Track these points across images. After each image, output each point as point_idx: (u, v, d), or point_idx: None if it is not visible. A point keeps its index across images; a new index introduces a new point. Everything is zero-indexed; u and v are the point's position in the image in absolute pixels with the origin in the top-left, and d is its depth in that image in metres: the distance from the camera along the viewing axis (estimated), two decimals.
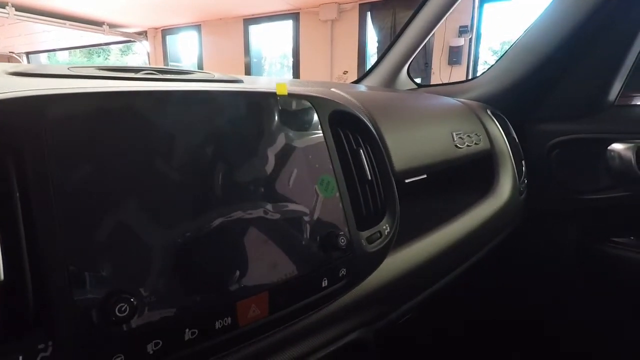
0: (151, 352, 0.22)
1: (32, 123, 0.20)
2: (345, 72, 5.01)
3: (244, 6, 5.45)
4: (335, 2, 5.01)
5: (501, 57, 0.81)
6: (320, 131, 0.33)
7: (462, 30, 4.23)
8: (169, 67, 0.50)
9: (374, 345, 0.41)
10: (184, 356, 0.23)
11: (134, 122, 0.24)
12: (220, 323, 0.25)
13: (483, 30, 4.43)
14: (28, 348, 0.18)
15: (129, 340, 0.21)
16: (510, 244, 0.67)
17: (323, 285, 0.30)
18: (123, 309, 0.20)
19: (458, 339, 0.84)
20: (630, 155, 0.63)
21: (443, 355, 0.80)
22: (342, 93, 0.47)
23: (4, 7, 4.94)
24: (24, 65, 0.38)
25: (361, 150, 0.36)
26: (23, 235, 0.19)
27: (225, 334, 0.25)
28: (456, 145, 0.55)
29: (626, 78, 0.69)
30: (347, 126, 0.37)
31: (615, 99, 0.70)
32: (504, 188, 0.61)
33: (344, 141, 0.35)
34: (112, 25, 6.30)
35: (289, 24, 5.57)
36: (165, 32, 6.72)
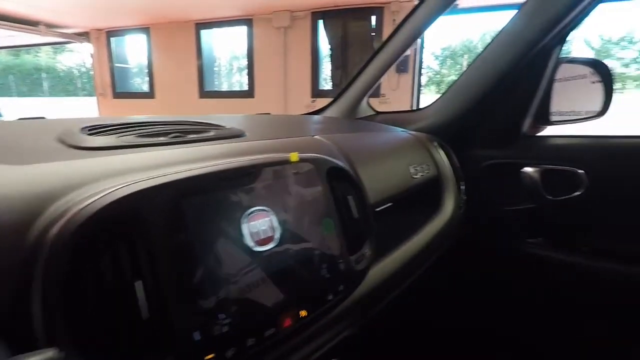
0: (230, 356, 0.33)
1: (133, 218, 0.30)
2: (313, 100, 5.18)
3: (196, 11, 5.38)
4: (288, 10, 5.12)
5: (445, 91, 0.99)
6: (321, 185, 0.46)
7: None
8: (182, 121, 0.60)
9: (359, 341, 0.54)
10: (248, 357, 0.35)
11: (205, 198, 0.35)
12: (268, 332, 0.37)
13: (428, 41, 4.79)
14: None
15: (219, 345, 0.32)
16: (454, 251, 0.84)
17: (329, 298, 0.43)
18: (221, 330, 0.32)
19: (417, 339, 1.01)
20: (537, 177, 0.83)
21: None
22: (326, 142, 0.60)
23: None
24: (73, 135, 0.45)
25: (349, 197, 0.49)
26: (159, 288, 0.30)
27: (272, 339, 0.37)
28: (412, 176, 0.71)
29: (535, 113, 0.90)
30: (339, 177, 0.50)
31: (526, 130, 0.90)
32: (448, 206, 0.78)
33: (337, 190, 0.48)
34: (49, 25, 5.89)
35: (242, 29, 5.58)
36: (110, 33, 6.41)
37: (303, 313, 0.40)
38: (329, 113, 1.12)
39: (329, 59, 5.20)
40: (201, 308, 0.32)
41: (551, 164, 0.84)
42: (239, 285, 0.35)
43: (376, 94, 4.85)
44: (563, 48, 0.84)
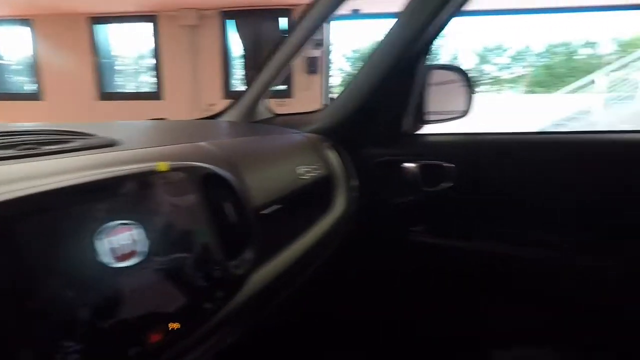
0: None
1: None
2: (211, 105, 4.99)
3: (86, 3, 4.85)
4: (194, 8, 4.91)
5: (339, 95, 1.05)
6: (194, 193, 0.46)
7: (317, 44, 4.68)
8: (42, 130, 0.54)
9: (246, 345, 0.55)
10: None
11: (45, 218, 0.33)
12: (133, 351, 0.36)
13: (336, 44, 5.05)
14: None
15: None
16: (350, 245, 0.90)
17: (205, 307, 0.43)
18: None
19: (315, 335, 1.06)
20: (416, 171, 0.94)
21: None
22: (209, 148, 0.60)
23: None
24: None
25: (226, 203, 0.50)
26: None
27: (139, 357, 0.36)
28: (300, 177, 0.74)
29: (413, 113, 1.00)
30: (215, 184, 0.50)
31: (407, 128, 1.00)
32: (339, 204, 0.84)
33: (213, 197, 0.49)
34: None
35: (147, 26, 5.19)
36: None
37: (174, 325, 0.40)
38: (227, 117, 1.11)
39: (242, 59, 5.13)
40: (42, 338, 0.30)
41: (427, 159, 0.95)
42: (91, 307, 0.33)
43: (287, 95, 4.93)
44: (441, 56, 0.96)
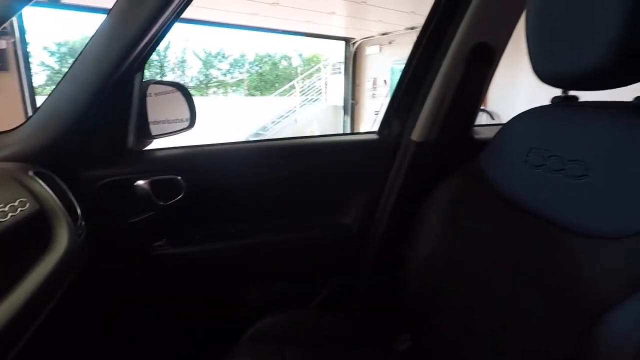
0: None
1: None
2: None
3: None
4: None
5: (37, 109, 0.87)
6: None
7: (2, 33, 3.54)
8: None
9: None
10: None
11: None
12: None
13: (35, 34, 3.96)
14: None
15: None
16: (87, 277, 0.81)
17: None
18: None
19: None
20: (148, 188, 0.94)
21: None
22: None
23: None
24: None
25: None
26: None
27: None
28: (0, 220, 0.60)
29: (137, 129, 0.98)
30: None
31: (132, 145, 0.97)
32: (62, 238, 0.73)
33: None
34: None
35: None
36: None
37: None
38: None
39: None
40: None
41: (157, 174, 0.96)
42: None
43: None
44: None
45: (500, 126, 0.76)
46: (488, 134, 1.11)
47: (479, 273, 0.69)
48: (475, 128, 1.12)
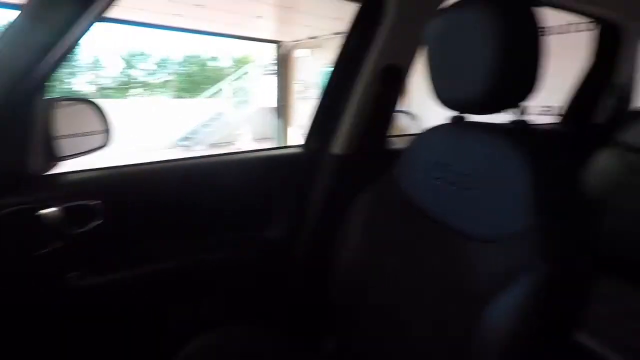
0: None
1: None
2: None
3: None
4: None
5: None
6: None
7: None
8: None
9: None
10: None
11: None
12: None
13: None
14: None
15: None
16: None
17: None
18: None
19: None
20: (58, 216, 0.84)
21: None
22: None
23: None
24: None
25: None
26: None
27: None
28: None
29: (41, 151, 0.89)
30: None
31: (36, 170, 0.86)
32: None
33: None
34: None
35: None
36: None
37: None
38: None
39: None
40: None
41: (71, 200, 0.88)
42: None
43: None
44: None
45: (413, 136, 0.84)
46: (402, 144, 1.21)
47: (396, 276, 0.76)
48: (390, 139, 1.22)
